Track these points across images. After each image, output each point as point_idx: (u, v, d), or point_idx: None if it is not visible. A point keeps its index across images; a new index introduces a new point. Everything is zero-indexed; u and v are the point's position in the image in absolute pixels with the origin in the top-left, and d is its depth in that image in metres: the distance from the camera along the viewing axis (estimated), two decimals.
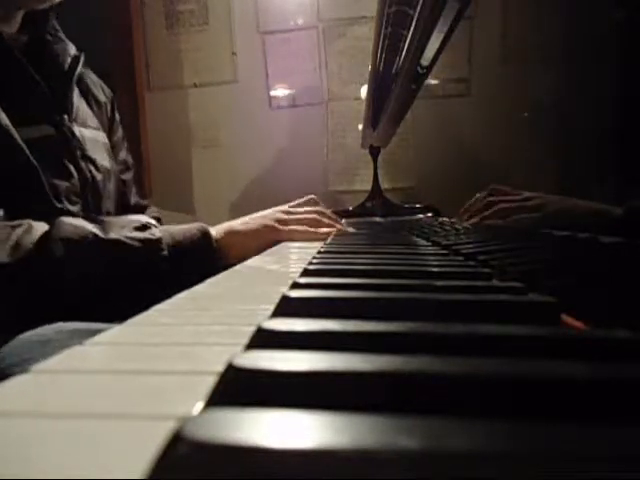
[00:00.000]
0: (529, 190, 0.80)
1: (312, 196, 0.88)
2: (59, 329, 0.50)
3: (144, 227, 0.64)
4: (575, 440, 0.10)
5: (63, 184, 0.72)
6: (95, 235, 0.59)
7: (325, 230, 0.78)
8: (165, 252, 0.62)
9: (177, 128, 1.91)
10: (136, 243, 0.61)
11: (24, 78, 0.72)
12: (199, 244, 0.67)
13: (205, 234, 0.68)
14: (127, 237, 0.61)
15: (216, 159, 1.90)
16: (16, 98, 0.70)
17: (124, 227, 0.62)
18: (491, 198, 0.87)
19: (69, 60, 0.80)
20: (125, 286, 0.59)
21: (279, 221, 0.77)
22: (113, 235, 0.60)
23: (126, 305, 0.57)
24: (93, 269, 0.58)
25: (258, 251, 0.71)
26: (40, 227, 0.58)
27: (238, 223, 0.76)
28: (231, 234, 0.72)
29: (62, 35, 0.81)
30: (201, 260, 0.66)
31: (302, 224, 0.78)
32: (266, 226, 0.75)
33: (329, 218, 0.83)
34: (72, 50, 0.81)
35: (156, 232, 0.63)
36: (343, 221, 1.25)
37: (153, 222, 0.67)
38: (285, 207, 0.82)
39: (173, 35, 1.90)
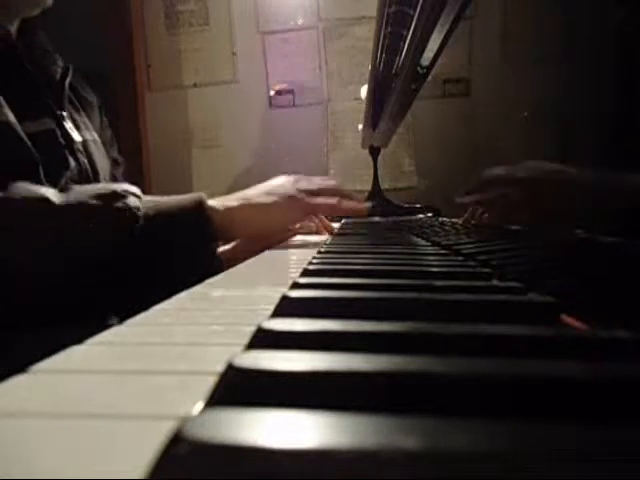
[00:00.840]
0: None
1: (332, 181, 0.78)
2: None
3: (115, 195, 0.56)
4: (575, 440, 0.10)
5: (62, 172, 0.73)
6: (48, 200, 0.53)
7: (352, 204, 0.71)
8: (133, 201, 0.56)
9: (177, 128, 1.91)
10: (102, 215, 0.54)
11: (27, 76, 0.75)
12: (189, 211, 0.59)
13: (199, 205, 0.60)
14: (88, 204, 0.54)
15: (216, 159, 1.90)
16: (21, 94, 0.72)
17: (91, 196, 0.55)
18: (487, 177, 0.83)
19: (60, 71, 0.82)
20: (98, 249, 0.54)
21: (304, 191, 0.68)
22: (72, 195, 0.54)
23: (112, 299, 0.55)
24: (48, 241, 0.53)
25: (283, 226, 0.67)
26: None
27: (255, 194, 0.66)
28: (244, 208, 0.63)
29: (50, 47, 0.84)
30: (193, 234, 0.59)
31: (326, 194, 0.69)
32: (292, 198, 0.66)
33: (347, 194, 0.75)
34: (60, 62, 0.84)
35: (131, 201, 0.56)
36: (344, 221, 1.25)
37: (133, 190, 0.59)
38: (296, 176, 0.72)
39: (173, 35, 1.90)
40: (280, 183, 0.69)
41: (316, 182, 0.72)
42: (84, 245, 0.54)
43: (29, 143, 0.67)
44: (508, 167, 0.76)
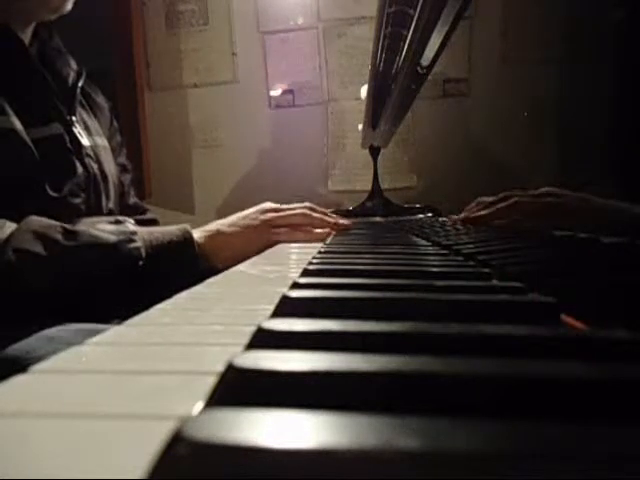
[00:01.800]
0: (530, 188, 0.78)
1: (307, 204, 0.83)
2: (68, 328, 0.51)
3: (117, 221, 0.63)
4: (575, 440, 0.10)
5: (69, 178, 0.74)
6: (63, 227, 0.58)
7: (319, 231, 0.76)
8: (138, 243, 0.61)
9: (177, 128, 1.91)
10: (106, 235, 0.60)
11: (39, 81, 0.76)
12: (179, 244, 0.65)
13: (186, 235, 0.67)
14: (97, 228, 0.60)
15: (216, 159, 1.90)
16: (33, 99, 0.74)
17: (96, 222, 0.62)
18: (506, 193, 0.83)
19: (72, 74, 0.84)
20: (100, 283, 0.58)
21: (268, 222, 0.75)
22: (82, 227, 0.60)
23: (107, 305, 0.58)
24: (62, 262, 0.57)
25: (246, 255, 0.69)
26: (13, 225, 0.58)
27: (225, 225, 0.73)
28: (216, 237, 0.70)
29: (64, 50, 0.86)
30: (181, 261, 0.65)
31: (292, 223, 0.75)
32: (255, 228, 0.73)
33: (322, 213, 0.80)
34: (74, 65, 0.85)
35: (130, 226, 0.63)
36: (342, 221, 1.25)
37: (130, 220, 0.66)
38: (270, 205, 0.79)
39: (173, 35, 1.90)
40: (246, 214, 0.76)
41: (286, 211, 0.78)
42: (92, 265, 0.59)
43: (34, 150, 0.68)
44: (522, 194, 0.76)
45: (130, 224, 0.64)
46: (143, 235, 0.63)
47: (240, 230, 0.72)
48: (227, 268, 0.69)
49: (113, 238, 0.60)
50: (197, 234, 0.69)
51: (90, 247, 0.58)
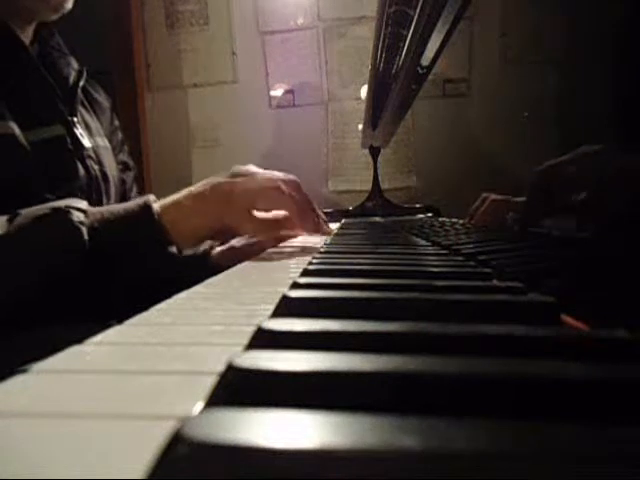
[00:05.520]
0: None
1: (292, 177, 0.68)
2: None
3: (56, 213, 0.54)
4: (575, 440, 0.10)
5: (70, 180, 0.74)
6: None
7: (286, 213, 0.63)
8: (85, 237, 0.54)
9: (177, 128, 1.91)
10: (40, 234, 0.53)
11: (40, 82, 0.76)
12: (136, 217, 0.58)
13: (145, 206, 0.58)
14: (31, 227, 0.53)
15: (216, 159, 1.90)
16: (34, 100, 0.73)
17: (34, 214, 0.54)
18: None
19: (73, 73, 0.83)
20: (52, 284, 0.53)
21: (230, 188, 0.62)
22: (17, 222, 0.53)
23: (74, 301, 0.56)
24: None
25: (205, 229, 0.62)
26: None
27: (184, 195, 0.62)
28: (175, 207, 0.60)
29: (65, 50, 0.85)
30: (141, 236, 0.57)
31: (253, 193, 0.62)
32: (214, 200, 0.61)
33: (309, 210, 0.66)
34: (75, 64, 0.85)
35: (76, 214, 0.55)
36: (344, 221, 1.24)
37: (77, 205, 0.57)
38: (239, 169, 0.67)
39: (173, 35, 1.90)
40: (209, 183, 0.64)
41: (258, 172, 0.66)
42: (34, 266, 0.53)
43: (33, 154, 0.68)
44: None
45: (76, 210, 0.56)
46: (95, 217, 0.57)
47: (199, 192, 0.61)
48: (192, 247, 0.63)
49: (50, 242, 0.54)
50: (157, 206, 0.60)
51: (23, 250, 0.53)
